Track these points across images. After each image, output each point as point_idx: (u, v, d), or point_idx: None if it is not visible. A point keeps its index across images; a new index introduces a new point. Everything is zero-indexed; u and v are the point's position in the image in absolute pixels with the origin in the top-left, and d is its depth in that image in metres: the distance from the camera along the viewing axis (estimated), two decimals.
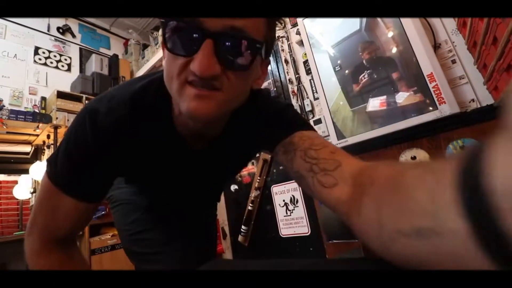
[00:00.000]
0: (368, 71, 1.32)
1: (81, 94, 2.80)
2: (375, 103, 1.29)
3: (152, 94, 0.46)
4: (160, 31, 0.37)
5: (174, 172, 0.56)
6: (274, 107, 0.53)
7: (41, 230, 0.48)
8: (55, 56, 3.05)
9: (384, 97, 1.26)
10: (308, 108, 1.68)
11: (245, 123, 0.52)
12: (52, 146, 2.19)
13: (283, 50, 1.89)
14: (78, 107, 2.70)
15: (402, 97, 1.20)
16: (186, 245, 0.68)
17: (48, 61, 2.98)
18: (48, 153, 2.35)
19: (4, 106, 2.38)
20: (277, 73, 1.91)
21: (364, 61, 1.35)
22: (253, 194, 1.85)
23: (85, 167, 0.44)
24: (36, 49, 2.93)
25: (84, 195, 0.46)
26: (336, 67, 1.46)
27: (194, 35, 0.34)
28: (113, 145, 0.44)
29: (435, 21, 1.21)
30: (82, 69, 3.23)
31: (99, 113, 0.43)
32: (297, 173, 0.44)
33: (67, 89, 2.88)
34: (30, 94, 2.71)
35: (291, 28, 1.86)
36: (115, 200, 0.74)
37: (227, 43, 0.35)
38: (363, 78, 1.33)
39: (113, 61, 3.23)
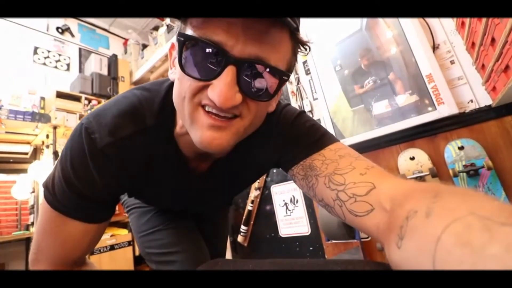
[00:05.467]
0: (371, 77, 1.32)
1: (80, 94, 2.79)
2: (380, 107, 1.29)
3: (154, 114, 0.42)
4: (176, 47, 0.35)
5: (176, 191, 0.54)
6: (284, 121, 0.47)
7: (50, 257, 0.44)
8: (54, 56, 3.05)
9: (386, 100, 1.26)
10: (307, 109, 1.68)
11: (254, 141, 0.46)
12: (51, 145, 2.18)
13: None
14: (77, 107, 2.70)
15: (401, 99, 1.21)
16: (197, 244, 0.68)
17: (47, 60, 2.98)
18: (47, 153, 2.34)
19: (3, 105, 2.37)
20: None
21: (362, 66, 1.35)
22: (253, 194, 1.85)
23: (86, 189, 0.40)
24: (35, 49, 2.92)
25: (92, 217, 0.43)
26: (336, 67, 1.46)
27: (216, 59, 0.31)
28: (113, 166, 0.41)
29: (434, 22, 1.22)
30: (81, 69, 3.23)
31: (97, 133, 0.39)
32: (322, 202, 0.39)
33: (66, 89, 2.87)
34: (29, 94, 2.70)
35: None
36: (128, 205, 0.74)
37: (251, 72, 0.32)
38: (368, 83, 1.33)
39: (112, 61, 3.23)
